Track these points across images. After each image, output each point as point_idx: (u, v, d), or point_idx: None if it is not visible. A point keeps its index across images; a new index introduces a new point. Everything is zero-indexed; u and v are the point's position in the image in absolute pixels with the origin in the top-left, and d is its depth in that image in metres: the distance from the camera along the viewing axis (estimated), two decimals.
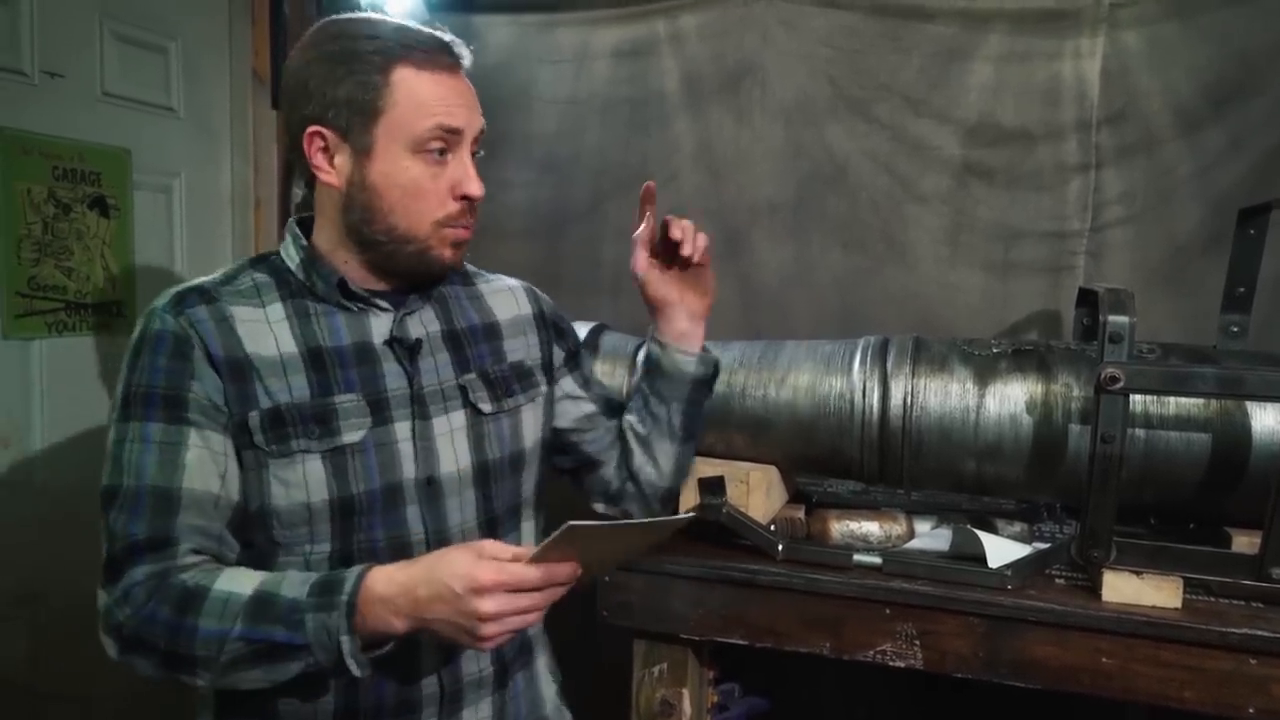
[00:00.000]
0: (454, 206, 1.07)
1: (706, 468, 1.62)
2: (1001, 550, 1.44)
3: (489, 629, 0.88)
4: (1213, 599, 1.34)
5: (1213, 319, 1.67)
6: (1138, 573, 1.32)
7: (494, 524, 1.16)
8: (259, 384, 1.02)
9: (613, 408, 1.37)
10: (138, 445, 0.99)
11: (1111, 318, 1.33)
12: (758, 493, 1.59)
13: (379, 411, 1.06)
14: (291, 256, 1.11)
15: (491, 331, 1.22)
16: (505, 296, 1.28)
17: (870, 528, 1.59)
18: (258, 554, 1.04)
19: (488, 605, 0.87)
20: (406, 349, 1.11)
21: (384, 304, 1.11)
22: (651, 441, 1.31)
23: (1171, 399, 1.43)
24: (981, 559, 1.43)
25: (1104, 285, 1.44)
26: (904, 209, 2.12)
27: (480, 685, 1.14)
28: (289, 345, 1.05)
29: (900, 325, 1.93)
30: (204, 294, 1.06)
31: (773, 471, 1.67)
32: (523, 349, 1.25)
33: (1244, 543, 1.41)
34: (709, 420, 1.69)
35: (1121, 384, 1.31)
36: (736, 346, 1.75)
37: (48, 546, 1.86)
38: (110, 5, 1.94)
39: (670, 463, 1.33)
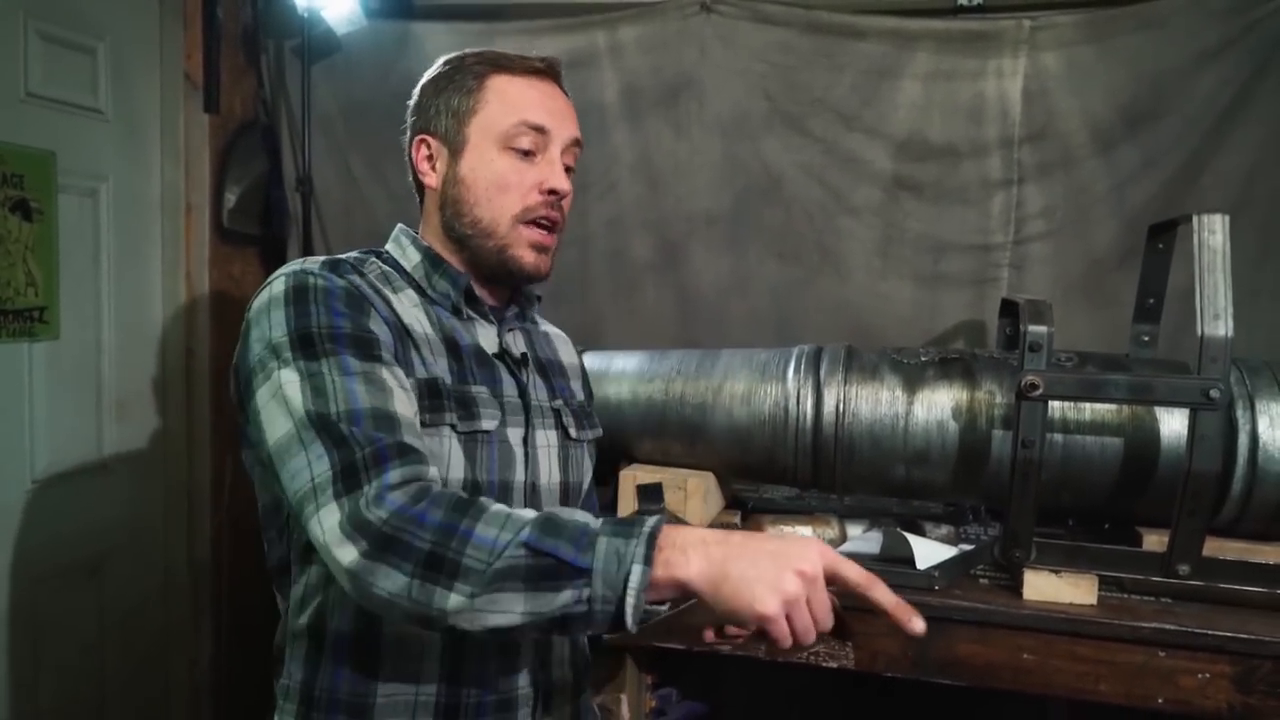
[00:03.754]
0: (535, 198, 1.09)
1: (644, 475, 1.65)
2: (929, 552, 1.49)
3: (775, 601, 0.82)
4: (1125, 595, 1.40)
5: (1128, 329, 1.74)
6: (1056, 571, 1.38)
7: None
8: (416, 353, 1.03)
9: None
10: (339, 376, 0.92)
11: (1031, 328, 1.39)
12: (695, 499, 1.62)
13: (501, 411, 1.09)
14: (409, 257, 1.14)
15: (562, 371, 1.27)
16: (560, 341, 1.33)
17: (804, 532, 1.62)
18: None
19: (793, 586, 0.82)
20: (514, 361, 1.15)
21: (490, 317, 1.15)
22: None
23: (1087, 405, 1.50)
24: (910, 561, 1.47)
25: (1025, 296, 1.50)
26: (837, 221, 2.17)
27: (564, 690, 1.14)
28: (429, 328, 1.08)
29: (833, 334, 1.98)
30: (352, 266, 1.06)
31: (709, 478, 1.70)
32: (581, 392, 1.29)
33: (1154, 541, 1.48)
34: (647, 428, 1.72)
35: (1040, 391, 1.37)
36: (674, 355, 1.78)
37: None
38: (34, 4, 1.89)
39: None
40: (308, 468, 0.88)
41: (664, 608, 0.89)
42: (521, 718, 1.07)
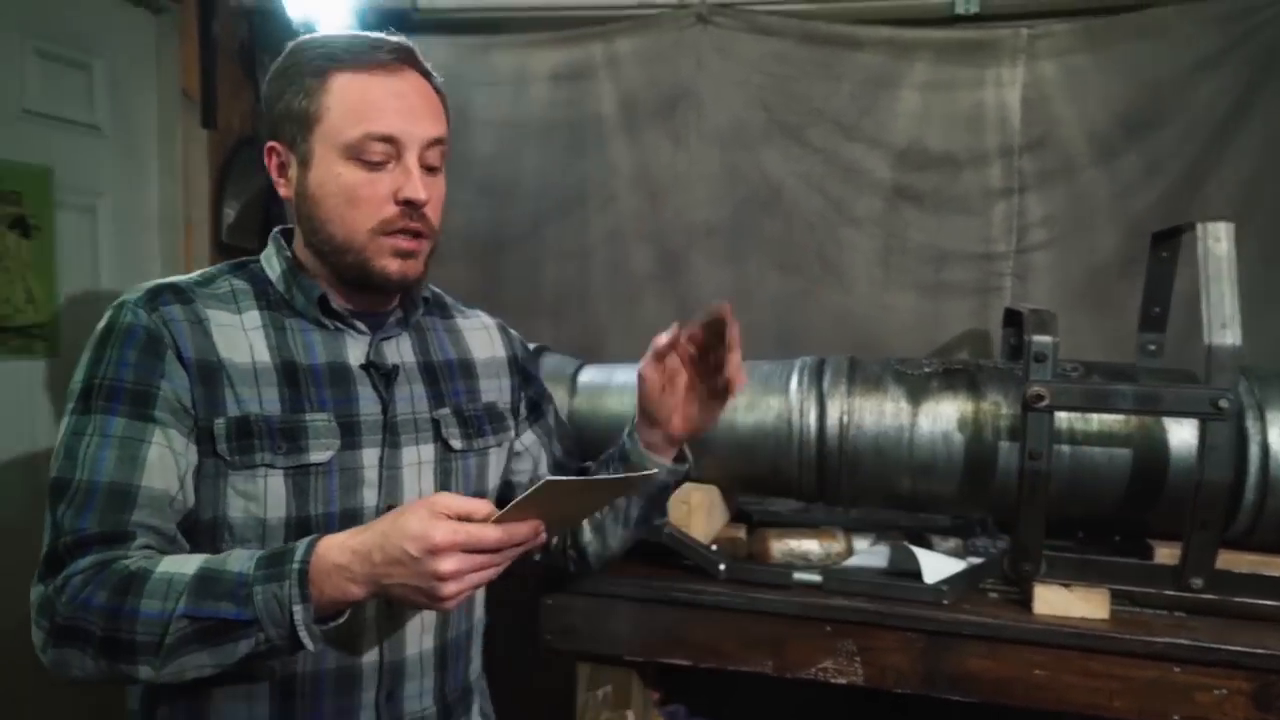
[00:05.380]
0: (391, 211, 1.02)
1: None
2: (937, 566, 1.47)
3: (448, 588, 0.86)
4: (1138, 609, 1.38)
5: (1132, 338, 1.73)
6: (1067, 585, 1.37)
7: None
8: (229, 390, 0.99)
9: (569, 466, 1.33)
10: (96, 439, 0.95)
11: (1036, 338, 1.38)
12: (699, 513, 1.60)
13: (348, 434, 1.04)
14: (273, 267, 1.09)
15: (467, 370, 1.20)
16: (482, 335, 1.26)
17: (810, 546, 1.61)
18: None
19: (445, 565, 0.85)
20: (383, 375, 1.08)
21: (361, 326, 1.09)
22: (604, 526, 1.28)
23: (1094, 416, 1.48)
24: (918, 575, 1.46)
25: (1029, 306, 1.49)
26: (838, 231, 2.17)
27: None
28: (263, 355, 1.03)
29: (835, 345, 1.97)
30: (179, 292, 1.03)
31: (714, 491, 1.68)
32: (495, 391, 1.23)
33: (1166, 554, 1.47)
34: None
35: (1046, 402, 1.36)
36: None
37: None
38: (32, 21, 1.88)
39: (618, 543, 1.31)
40: (42, 534, 0.95)
41: (342, 619, 0.92)
42: None
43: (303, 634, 0.88)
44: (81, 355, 1.01)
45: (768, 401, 1.63)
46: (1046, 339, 1.38)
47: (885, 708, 1.54)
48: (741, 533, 1.68)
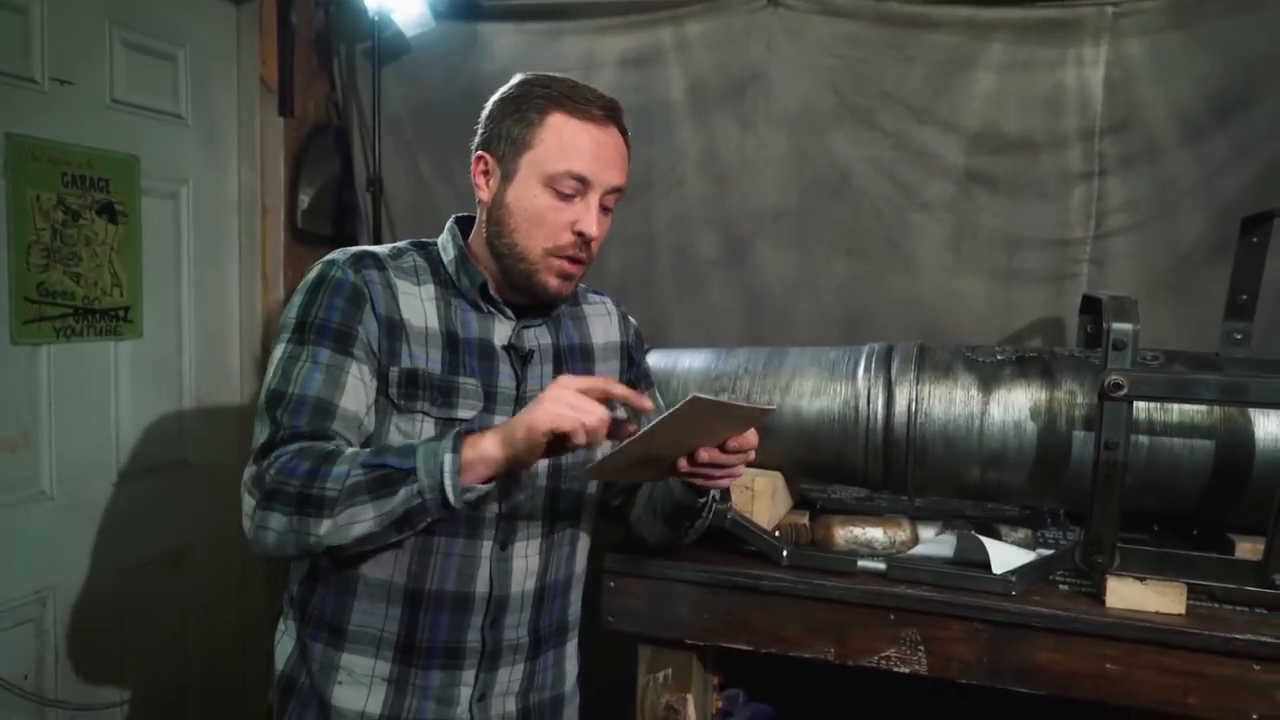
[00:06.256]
0: (566, 238, 1.20)
1: None
2: (1005, 556, 1.44)
3: (583, 403, 1.04)
4: (1216, 605, 1.34)
5: (1216, 326, 1.67)
6: (1141, 579, 1.33)
7: (555, 516, 1.31)
8: (405, 345, 1.20)
9: None
10: (308, 364, 1.15)
11: (1115, 325, 1.34)
12: (763, 499, 1.60)
13: (488, 401, 1.23)
14: (448, 252, 1.29)
15: (586, 353, 1.37)
16: (603, 320, 1.42)
17: (874, 533, 1.59)
18: None
19: (578, 384, 1.05)
20: (520, 357, 1.27)
21: (509, 313, 1.28)
22: (644, 522, 1.43)
23: (1175, 406, 1.43)
24: (986, 565, 1.43)
25: (1108, 293, 1.44)
26: (908, 217, 2.13)
27: (516, 650, 1.28)
28: (434, 323, 1.23)
29: (903, 332, 1.94)
30: (377, 260, 1.23)
31: (777, 478, 1.68)
32: (607, 373, 1.39)
33: (1247, 549, 1.41)
34: None
35: (1125, 391, 1.32)
36: (741, 353, 1.76)
37: (55, 550, 1.87)
38: (119, 13, 1.96)
39: (655, 538, 1.45)
40: (256, 433, 1.15)
41: (486, 486, 1.09)
42: (467, 666, 1.24)
43: (447, 481, 1.05)
44: (293, 298, 1.21)
45: (834, 388, 1.62)
46: (1126, 326, 1.34)
47: (945, 697, 1.52)
48: (804, 519, 1.67)
